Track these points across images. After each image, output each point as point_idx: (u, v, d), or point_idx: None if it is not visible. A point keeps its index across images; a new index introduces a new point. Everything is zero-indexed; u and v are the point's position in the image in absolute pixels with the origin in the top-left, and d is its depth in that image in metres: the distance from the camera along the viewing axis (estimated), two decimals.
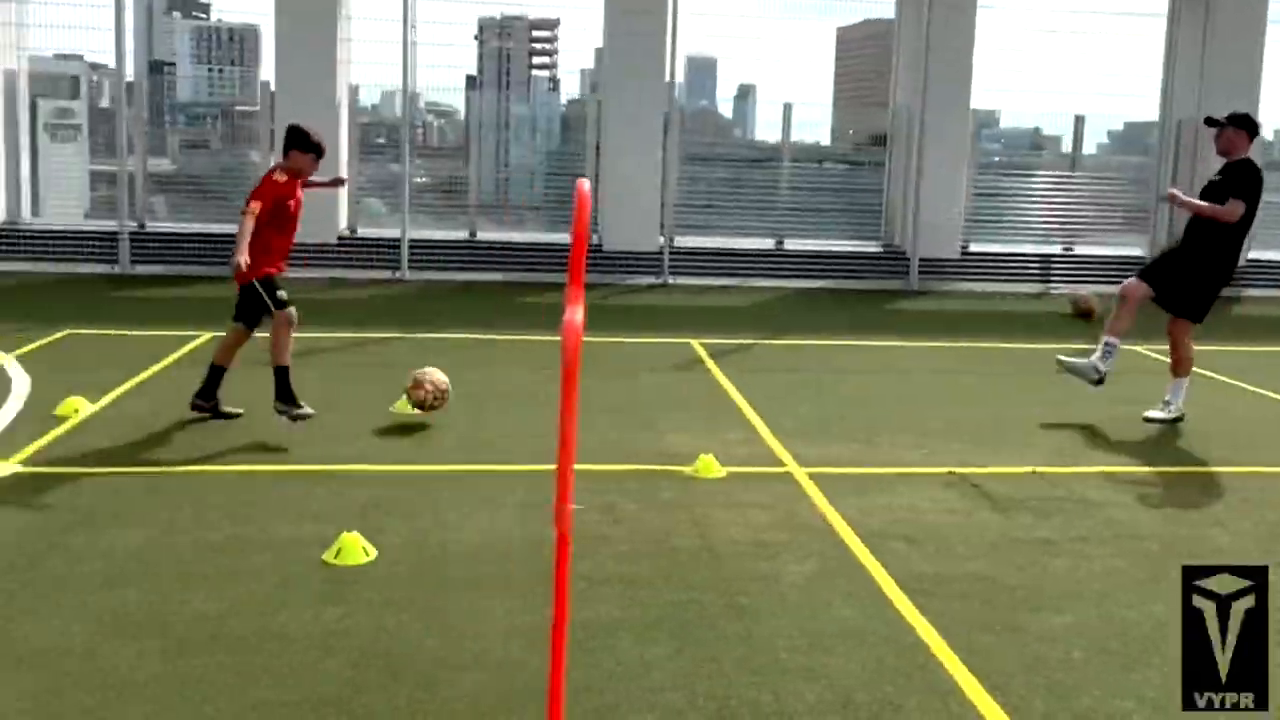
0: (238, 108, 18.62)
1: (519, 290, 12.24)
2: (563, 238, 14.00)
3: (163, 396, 6.75)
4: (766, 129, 17.63)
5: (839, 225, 14.73)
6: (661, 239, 13.50)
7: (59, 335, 8.53)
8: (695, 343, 9.14)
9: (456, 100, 17.83)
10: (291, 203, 6.43)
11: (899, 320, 11.26)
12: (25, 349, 7.96)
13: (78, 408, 6.31)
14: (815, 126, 16.07)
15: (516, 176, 15.35)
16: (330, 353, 8.32)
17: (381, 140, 19.18)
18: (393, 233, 13.14)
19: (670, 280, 13.03)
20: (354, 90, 13.77)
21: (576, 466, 5.48)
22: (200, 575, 4.10)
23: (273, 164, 6.74)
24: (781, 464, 5.79)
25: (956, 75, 13.63)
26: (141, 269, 12.48)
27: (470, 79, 14.43)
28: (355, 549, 4.28)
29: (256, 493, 5.03)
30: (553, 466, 5.45)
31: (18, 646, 3.50)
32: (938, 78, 13.34)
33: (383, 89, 16.24)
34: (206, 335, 8.70)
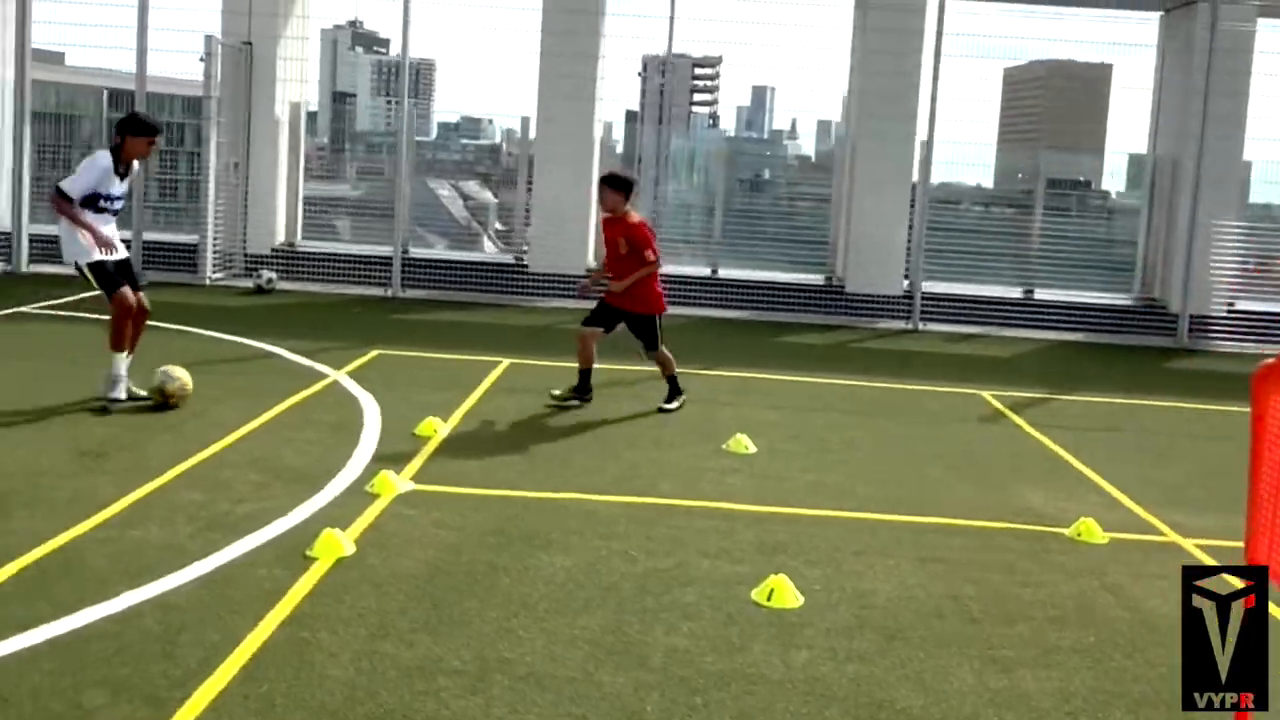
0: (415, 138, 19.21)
1: (765, 330, 12.24)
2: (800, 278, 13.95)
3: (507, 419, 7.04)
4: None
5: (1090, 275, 14.21)
6: (906, 282, 13.32)
7: (372, 355, 9.00)
8: (987, 394, 8.91)
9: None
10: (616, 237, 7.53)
11: (1186, 381, 10.71)
12: (349, 367, 8.43)
13: (436, 428, 6.61)
14: (972, 168, 15.37)
15: (672, 210, 15.05)
16: (640, 384, 8.48)
17: None
18: None
19: (921, 326, 12.79)
20: (608, 127, 14.17)
21: (948, 520, 5.47)
22: (643, 607, 4.19)
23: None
24: (1160, 533, 5.54)
25: (1230, 120, 12.93)
26: (411, 293, 13.10)
27: (630, 114, 14.31)
28: (787, 592, 4.30)
29: (653, 525, 5.13)
30: (915, 518, 5.45)
31: (518, 666, 3.64)
32: (1210, 123, 12.71)
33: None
34: (507, 361, 9.03)
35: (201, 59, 12.72)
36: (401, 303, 12.66)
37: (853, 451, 6.84)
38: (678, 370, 7.70)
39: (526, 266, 13.77)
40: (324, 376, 8.09)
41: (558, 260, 13.42)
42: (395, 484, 5.46)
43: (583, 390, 7.54)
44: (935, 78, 12.81)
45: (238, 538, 4.65)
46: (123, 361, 6.74)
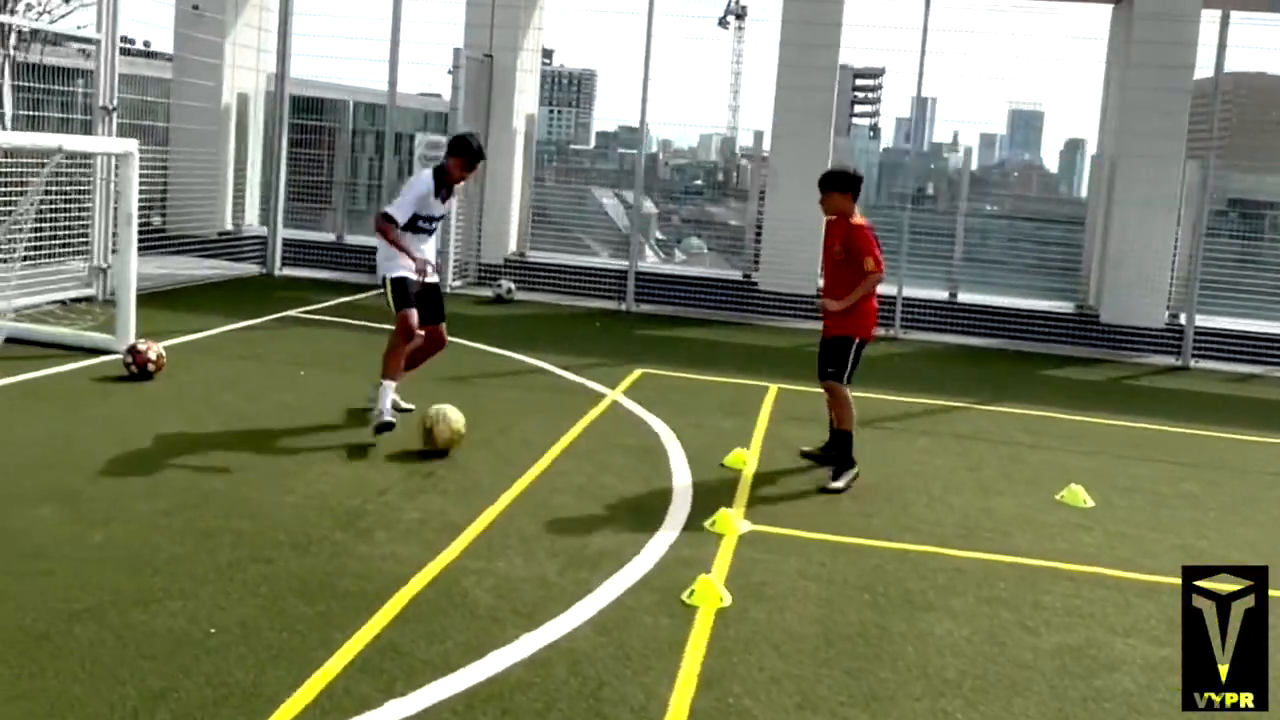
0: (572, 146, 18.26)
1: (1017, 360, 11.52)
2: (1046, 305, 13.14)
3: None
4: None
5: None
6: (1168, 314, 12.38)
7: (637, 374, 8.83)
8: None
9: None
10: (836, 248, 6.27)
11: None
12: (621, 387, 8.28)
13: (745, 460, 6.34)
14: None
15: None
16: (929, 415, 8.02)
17: (699, 181, 18.81)
18: (889, 290, 12.82)
19: (1192, 364, 11.79)
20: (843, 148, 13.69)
21: None
22: (1079, 693, 3.76)
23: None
24: None
25: None
26: (646, 306, 12.99)
27: None
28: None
29: (1034, 589, 4.68)
30: None
31: None
32: None
33: (701, 131, 16.03)
34: (774, 386, 8.71)
35: (450, 71, 12.96)
36: (637, 317, 12.53)
37: (1198, 509, 6.20)
38: (854, 427, 6.11)
39: (756, 284, 13.45)
40: (601, 395, 7.96)
41: (788, 279, 13.06)
42: (736, 523, 5.20)
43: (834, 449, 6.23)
44: (1216, 91, 11.82)
45: (604, 576, 4.47)
46: (390, 393, 6.26)
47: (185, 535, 4.57)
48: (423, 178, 6.46)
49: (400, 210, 6.35)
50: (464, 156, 6.42)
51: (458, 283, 13.50)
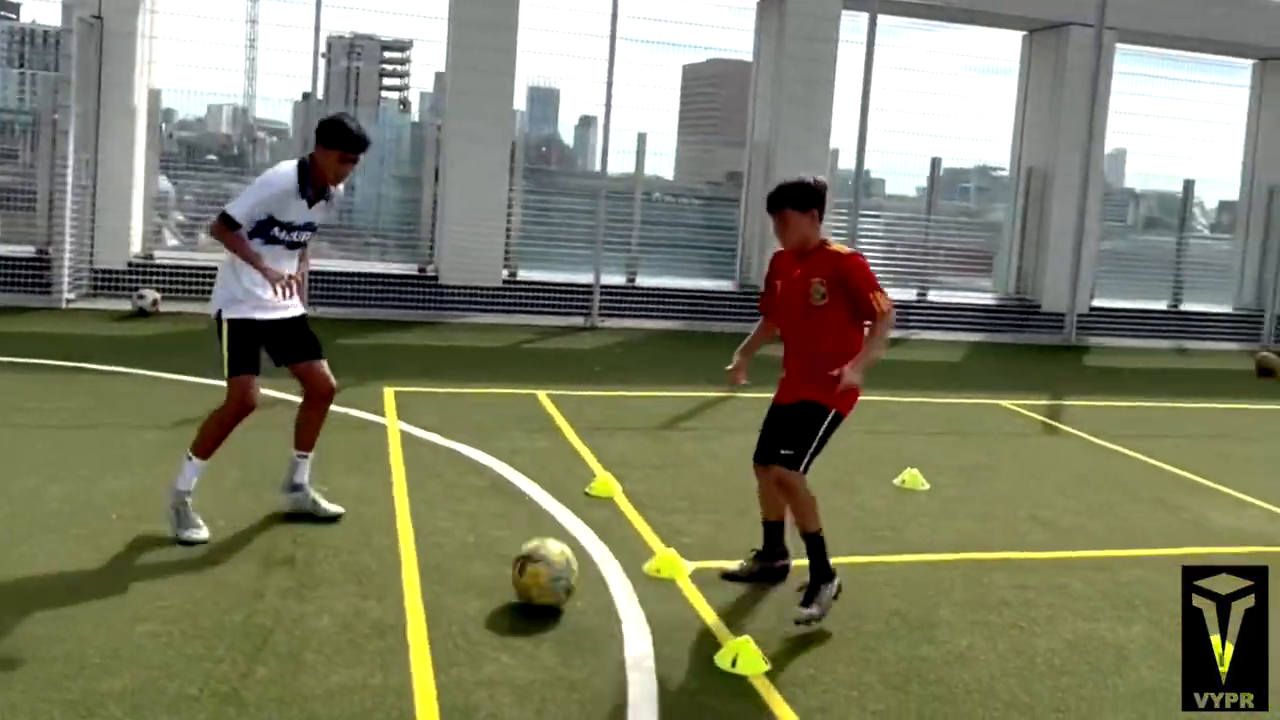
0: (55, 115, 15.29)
1: (706, 342, 11.98)
2: (708, 284, 13.74)
3: (652, 466, 6.38)
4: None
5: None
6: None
7: (391, 393, 7.83)
8: (1008, 404, 9.21)
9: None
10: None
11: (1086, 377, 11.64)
12: (390, 413, 7.31)
13: (612, 487, 5.84)
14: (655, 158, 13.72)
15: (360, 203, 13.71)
16: (698, 415, 7.95)
17: (213, 156, 17.34)
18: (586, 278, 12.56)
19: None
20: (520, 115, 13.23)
21: (1197, 550, 5.51)
22: (1119, 691, 3.88)
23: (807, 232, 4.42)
24: None
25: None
26: (322, 309, 11.60)
27: (306, 96, 12.87)
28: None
29: (975, 586, 4.77)
30: (1164, 551, 5.42)
31: None
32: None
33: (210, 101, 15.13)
34: (541, 393, 8.19)
35: (59, 36, 10.53)
36: (319, 323, 11.09)
37: (1003, 480, 6.78)
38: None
39: (435, 279, 12.59)
40: (379, 425, 6.96)
41: (472, 273, 12.42)
42: (680, 564, 4.76)
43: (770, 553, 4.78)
44: (867, 88, 12.93)
45: (613, 659, 3.85)
46: (195, 472, 4.83)
47: (52, 714, 3.18)
48: (280, 174, 4.76)
49: (240, 208, 4.67)
50: (342, 146, 4.75)
51: (71, 295, 11.12)
